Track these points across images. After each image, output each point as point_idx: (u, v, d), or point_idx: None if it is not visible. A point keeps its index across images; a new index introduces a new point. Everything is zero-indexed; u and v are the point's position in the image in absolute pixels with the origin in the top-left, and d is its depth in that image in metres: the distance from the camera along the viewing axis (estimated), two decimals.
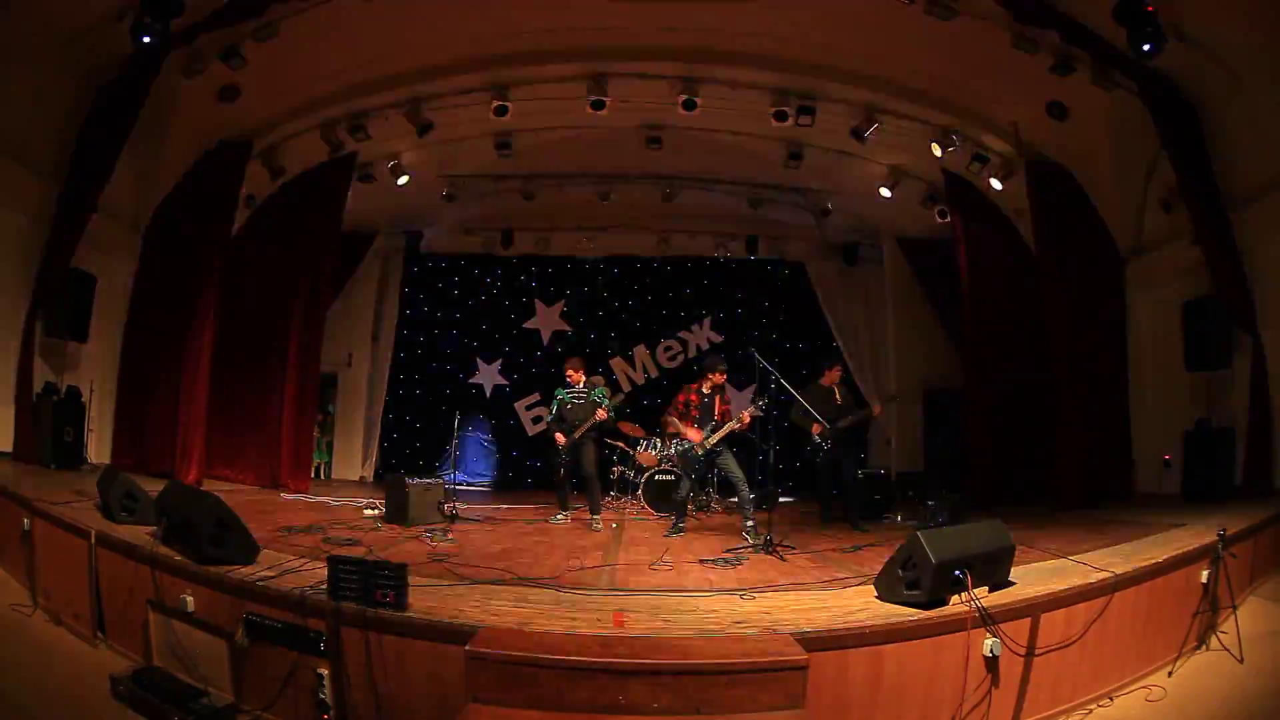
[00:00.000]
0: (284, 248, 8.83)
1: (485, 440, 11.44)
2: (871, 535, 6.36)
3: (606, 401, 6.82)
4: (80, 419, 7.14)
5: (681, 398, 6.44)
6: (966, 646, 3.16)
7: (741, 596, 3.78)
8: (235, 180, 8.15)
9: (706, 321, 11.83)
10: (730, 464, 6.18)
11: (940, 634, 3.17)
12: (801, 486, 10.77)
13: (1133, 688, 3.67)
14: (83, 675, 3.77)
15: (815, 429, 6.72)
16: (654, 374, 11.74)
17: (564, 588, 3.91)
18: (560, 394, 7.02)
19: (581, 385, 6.96)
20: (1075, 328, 7.67)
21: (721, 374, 6.32)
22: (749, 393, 10.87)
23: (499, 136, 8.90)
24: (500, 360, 11.76)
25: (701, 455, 6.25)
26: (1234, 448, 6.42)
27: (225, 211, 8.15)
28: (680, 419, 6.35)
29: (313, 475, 9.25)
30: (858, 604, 3.51)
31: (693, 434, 6.24)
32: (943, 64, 7.49)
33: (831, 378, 7.10)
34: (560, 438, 6.83)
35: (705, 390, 6.33)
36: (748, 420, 6.06)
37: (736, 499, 6.29)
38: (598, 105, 7.96)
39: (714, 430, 6.19)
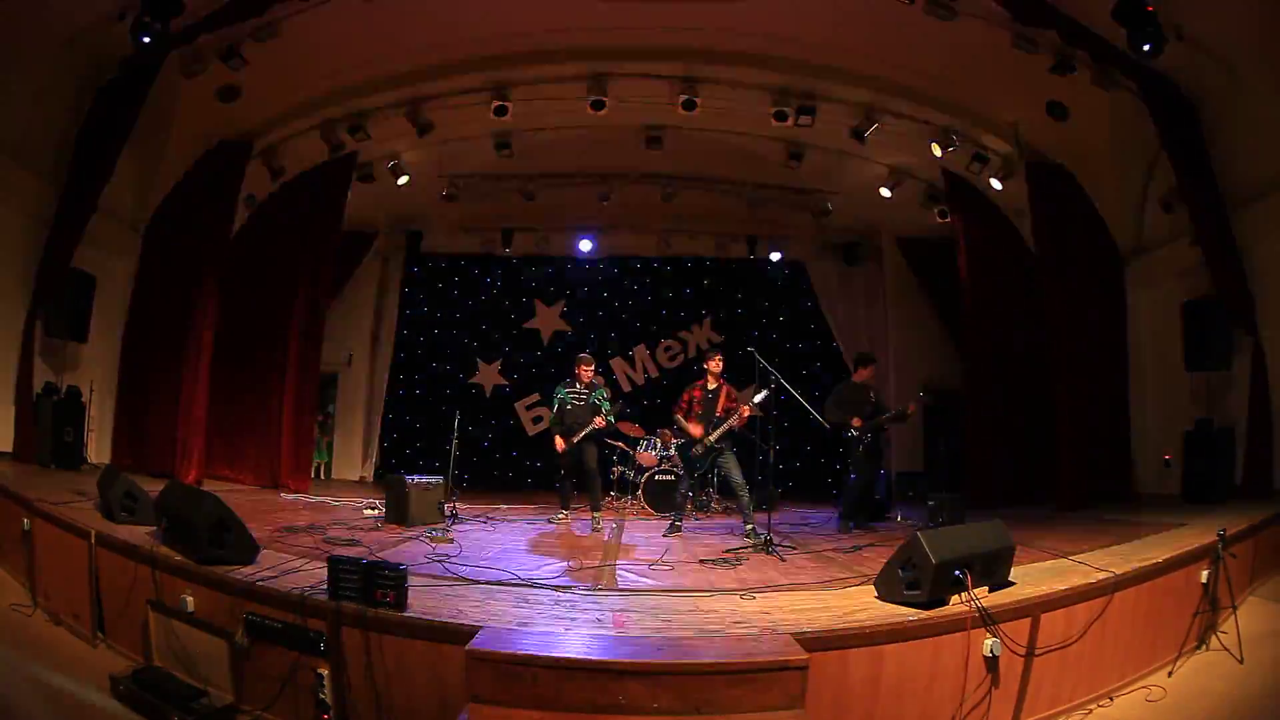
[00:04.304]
0: (284, 248, 8.83)
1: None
2: (871, 535, 6.36)
3: (606, 406, 6.78)
4: (80, 419, 7.14)
5: (685, 395, 6.44)
6: (966, 646, 3.16)
7: (741, 596, 3.78)
8: (235, 180, 8.15)
9: (706, 321, 11.83)
10: (731, 467, 6.15)
11: (940, 634, 3.17)
12: (802, 487, 10.80)
13: (1133, 688, 3.67)
14: (83, 675, 3.76)
15: (856, 422, 6.65)
16: (654, 374, 11.73)
17: (564, 588, 3.91)
18: (561, 393, 6.94)
19: (580, 387, 6.90)
20: (1075, 328, 7.66)
21: (714, 360, 6.31)
22: (749, 393, 10.88)
23: (499, 136, 8.91)
24: (500, 360, 11.76)
25: (701, 454, 6.25)
26: (1234, 448, 6.41)
27: (225, 211, 8.15)
28: (684, 416, 6.36)
29: (313, 475, 9.25)
30: (858, 604, 3.51)
31: (694, 428, 6.23)
32: (943, 64, 7.49)
33: (864, 375, 7.03)
34: (560, 442, 6.76)
35: (709, 386, 6.33)
36: (746, 416, 6.05)
37: (737, 504, 6.27)
38: (598, 105, 7.96)
39: (715, 426, 6.19)
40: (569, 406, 6.85)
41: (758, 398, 5.84)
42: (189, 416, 7.70)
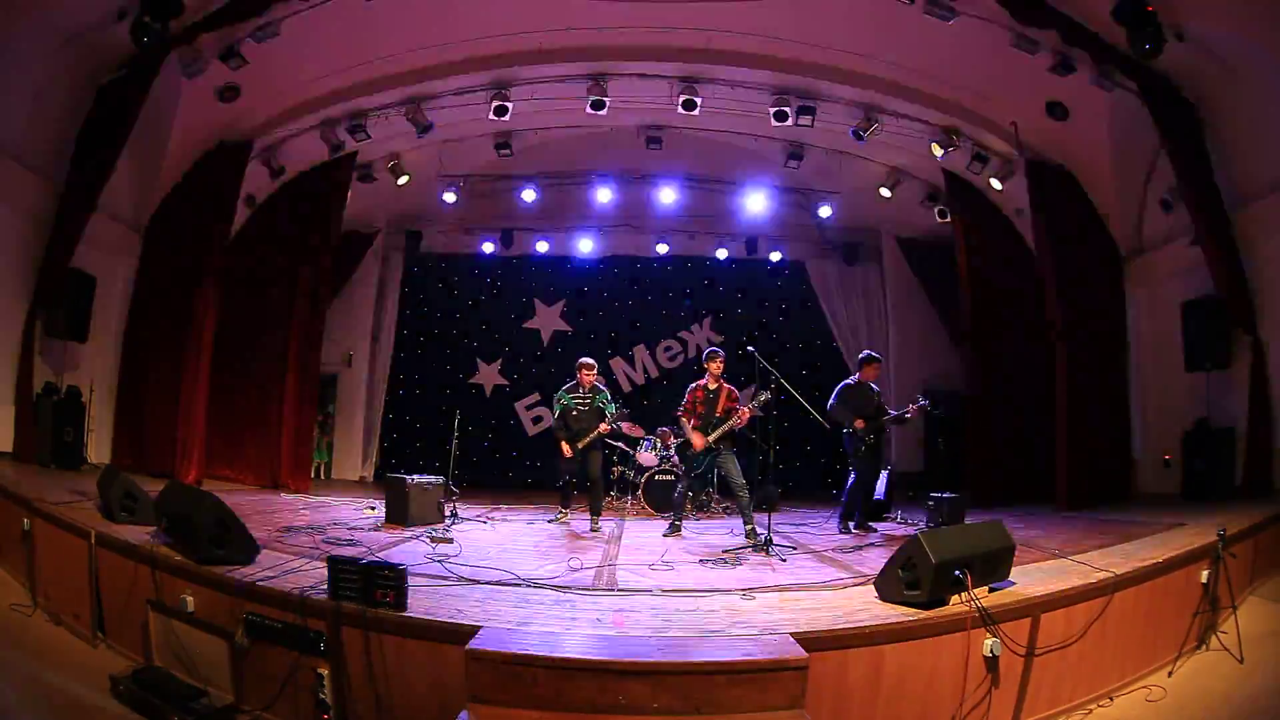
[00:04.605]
0: (284, 247, 8.83)
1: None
2: (871, 535, 6.35)
3: (612, 410, 6.78)
4: (80, 419, 7.14)
5: (689, 397, 6.40)
6: (966, 646, 3.16)
7: (741, 596, 3.78)
8: (235, 180, 8.15)
9: (706, 321, 11.83)
10: (731, 468, 6.14)
11: (940, 634, 3.17)
12: (802, 487, 10.79)
13: (1133, 688, 3.67)
14: (83, 675, 3.77)
15: (859, 423, 6.62)
16: (654, 374, 11.73)
17: (564, 588, 3.91)
18: (565, 399, 6.87)
19: (584, 392, 6.82)
20: (1075, 328, 7.67)
21: (715, 362, 6.30)
22: (749, 393, 10.86)
23: (499, 136, 8.91)
24: (500, 360, 11.77)
25: (702, 454, 6.24)
26: (1234, 448, 6.42)
27: (225, 211, 8.15)
28: (687, 417, 6.35)
29: (313, 475, 9.25)
30: (858, 604, 3.51)
31: (696, 439, 6.21)
32: (943, 64, 7.50)
33: (870, 375, 7.00)
34: (567, 449, 6.71)
35: (710, 386, 6.32)
36: (746, 417, 6.04)
37: (736, 504, 6.27)
38: (598, 105, 7.96)
39: (714, 427, 6.18)
40: (574, 412, 6.80)
41: (758, 400, 5.82)
42: (189, 416, 7.70)
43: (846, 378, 7.21)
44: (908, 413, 6.96)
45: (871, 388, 6.91)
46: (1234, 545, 4.29)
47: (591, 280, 11.87)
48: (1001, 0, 6.21)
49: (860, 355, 7.19)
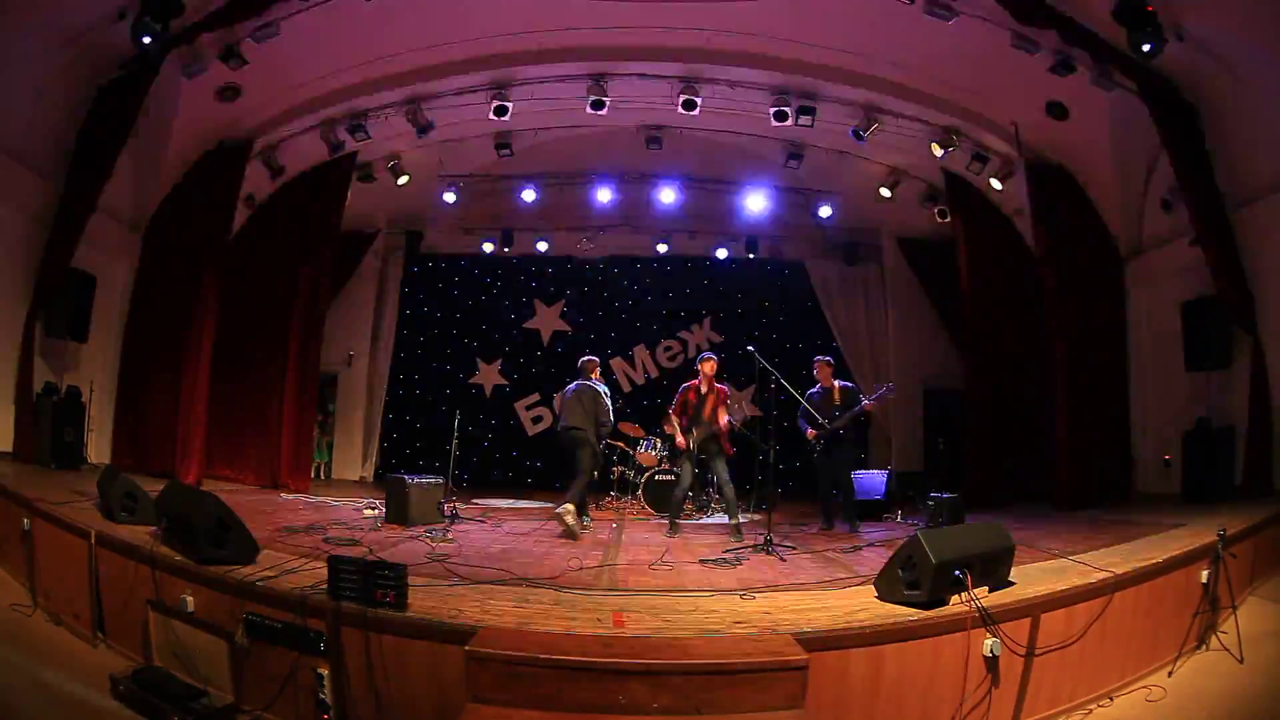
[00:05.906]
0: (284, 248, 8.83)
1: None
2: (862, 535, 6.35)
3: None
4: (80, 419, 7.14)
5: (680, 398, 6.50)
6: (966, 646, 3.16)
7: (741, 596, 3.78)
8: (235, 180, 8.15)
9: (706, 321, 11.84)
10: (718, 467, 6.30)
11: (940, 634, 3.17)
12: (802, 487, 10.79)
13: (1133, 688, 3.67)
14: (83, 675, 3.76)
15: (810, 434, 6.72)
16: (654, 374, 11.74)
17: (564, 588, 3.91)
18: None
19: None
20: (1075, 328, 7.67)
21: (706, 364, 6.36)
22: (749, 393, 10.88)
23: (499, 136, 8.92)
24: (500, 360, 11.77)
25: (691, 449, 6.36)
26: (1234, 448, 6.41)
27: (225, 211, 8.15)
28: (677, 415, 6.45)
29: (313, 475, 9.26)
30: (858, 604, 3.50)
31: (680, 439, 6.40)
32: (943, 64, 7.50)
33: (823, 376, 6.97)
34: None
35: (702, 389, 6.35)
36: (724, 426, 6.17)
37: (721, 499, 6.42)
38: (598, 105, 7.97)
39: (699, 428, 6.31)
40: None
41: (739, 424, 5.92)
42: (189, 416, 7.70)
43: (845, 379, 7.21)
44: (857, 413, 6.84)
45: (831, 391, 6.81)
46: (1234, 545, 4.29)
47: (591, 280, 11.88)
48: (1001, 0, 6.21)
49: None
